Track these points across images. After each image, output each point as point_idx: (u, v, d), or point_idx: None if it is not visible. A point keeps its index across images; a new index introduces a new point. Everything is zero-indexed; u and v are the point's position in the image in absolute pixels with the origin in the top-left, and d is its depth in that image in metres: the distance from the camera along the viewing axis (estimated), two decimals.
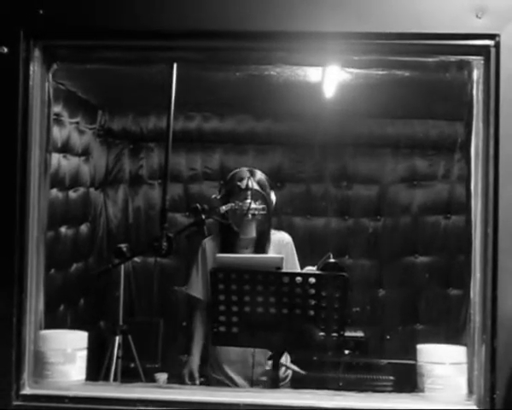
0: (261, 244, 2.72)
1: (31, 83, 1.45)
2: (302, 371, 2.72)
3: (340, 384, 3.19)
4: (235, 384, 2.69)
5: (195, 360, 2.79)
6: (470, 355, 1.44)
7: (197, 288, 2.77)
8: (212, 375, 2.76)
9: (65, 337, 1.52)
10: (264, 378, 2.64)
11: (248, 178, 2.65)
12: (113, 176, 4.43)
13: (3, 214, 1.43)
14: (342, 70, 2.36)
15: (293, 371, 2.73)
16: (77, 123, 3.98)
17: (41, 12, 1.43)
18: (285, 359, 2.75)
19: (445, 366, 1.47)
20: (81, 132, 4.08)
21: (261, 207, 2.61)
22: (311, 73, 2.76)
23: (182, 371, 2.81)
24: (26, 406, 1.42)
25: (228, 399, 1.46)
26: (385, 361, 3.81)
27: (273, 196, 2.76)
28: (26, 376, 1.45)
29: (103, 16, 1.47)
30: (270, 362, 2.24)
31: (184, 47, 1.54)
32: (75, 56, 1.60)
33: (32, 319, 1.46)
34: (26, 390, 1.44)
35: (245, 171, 2.72)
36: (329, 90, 3.10)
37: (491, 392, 1.36)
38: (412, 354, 1.57)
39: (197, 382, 2.77)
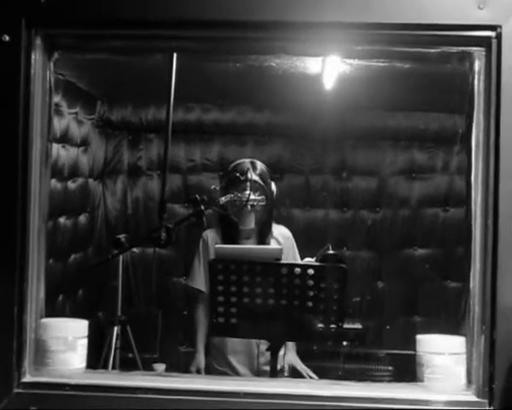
0: (263, 235, 2.73)
1: (32, 71, 1.45)
2: (315, 377, 2.75)
3: (340, 374, 3.22)
4: (240, 375, 2.69)
5: (202, 357, 2.77)
6: (469, 346, 1.45)
7: (199, 280, 2.77)
8: (214, 366, 2.76)
9: (66, 325, 1.52)
10: (267, 369, 2.65)
11: (248, 169, 2.65)
12: (111, 167, 4.43)
13: (5, 203, 1.43)
14: (342, 62, 2.36)
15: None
16: (76, 113, 3.97)
17: (43, 0, 1.43)
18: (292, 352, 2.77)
19: (445, 356, 1.47)
20: (80, 123, 4.07)
21: (260, 198, 2.61)
22: (311, 65, 2.75)
23: (189, 368, 2.79)
24: (27, 393, 1.42)
25: (228, 387, 1.47)
26: (384, 352, 3.82)
27: (274, 188, 2.77)
28: (27, 364, 1.45)
29: (104, 5, 1.47)
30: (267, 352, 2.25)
31: (184, 37, 1.54)
32: (76, 45, 1.60)
33: (33, 307, 1.47)
34: (27, 378, 1.45)
35: (246, 162, 2.72)
36: (329, 82, 3.09)
37: (490, 382, 1.37)
38: (410, 345, 1.58)
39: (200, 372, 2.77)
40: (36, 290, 1.48)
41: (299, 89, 3.18)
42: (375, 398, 1.41)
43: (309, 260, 2.34)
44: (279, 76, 2.39)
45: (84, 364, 1.52)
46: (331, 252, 2.16)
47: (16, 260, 1.43)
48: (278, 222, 2.89)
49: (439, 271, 4.19)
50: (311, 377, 2.76)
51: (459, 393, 1.44)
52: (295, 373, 2.80)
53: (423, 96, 3.58)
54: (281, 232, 2.80)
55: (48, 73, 1.51)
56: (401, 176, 4.29)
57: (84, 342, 1.52)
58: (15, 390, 1.42)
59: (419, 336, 1.54)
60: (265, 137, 4.29)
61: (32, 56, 1.45)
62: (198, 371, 2.75)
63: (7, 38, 1.42)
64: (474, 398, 1.41)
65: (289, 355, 2.80)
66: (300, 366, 2.79)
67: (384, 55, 1.64)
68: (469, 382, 1.45)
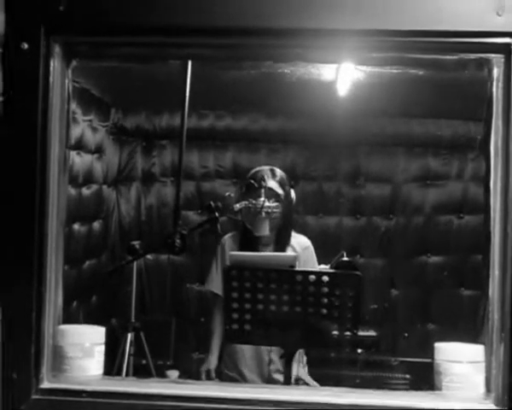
0: (280, 243, 2.72)
1: (51, 79, 1.46)
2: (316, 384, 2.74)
3: (357, 382, 3.21)
4: (249, 382, 2.69)
5: (214, 360, 2.77)
6: (488, 354, 1.43)
7: (217, 284, 2.78)
8: (225, 372, 2.77)
9: (83, 332, 1.52)
10: (277, 376, 2.65)
11: (263, 176, 2.65)
12: (125, 173, 4.45)
13: (23, 209, 1.44)
14: (356, 69, 2.35)
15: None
16: (90, 120, 4.00)
17: (61, 8, 1.44)
18: (298, 363, 2.76)
19: (463, 364, 1.46)
20: (94, 130, 4.10)
21: (275, 205, 2.61)
22: (325, 72, 2.75)
23: (199, 368, 2.80)
24: (44, 399, 1.42)
25: (243, 395, 1.46)
26: (399, 359, 3.81)
27: (293, 195, 2.76)
28: (44, 370, 1.45)
29: (122, 13, 1.48)
30: (281, 360, 2.24)
31: (199, 44, 1.54)
32: (94, 53, 1.60)
33: (51, 313, 1.47)
34: (45, 384, 1.45)
35: (264, 170, 2.72)
36: (343, 89, 3.10)
37: (510, 391, 1.36)
38: (424, 353, 1.57)
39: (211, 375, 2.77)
40: (54, 296, 1.48)
41: (312, 96, 3.18)
42: (393, 407, 1.39)
43: (323, 268, 2.34)
44: (293, 83, 2.40)
45: (101, 370, 1.52)
46: (346, 259, 2.14)
47: (34, 266, 1.43)
48: (295, 230, 2.87)
49: (453, 278, 4.16)
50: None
51: (478, 402, 1.42)
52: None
53: (437, 103, 3.58)
54: (299, 241, 2.79)
55: (66, 80, 1.52)
56: (415, 183, 4.28)
57: (102, 348, 1.52)
58: (33, 397, 1.42)
59: (437, 344, 1.53)
60: (279, 144, 4.29)
61: (51, 64, 1.46)
62: (208, 372, 2.75)
63: (26, 46, 1.43)
64: (493, 407, 1.39)
65: (296, 368, 2.79)
66: (308, 379, 2.78)
67: (401, 62, 1.63)
68: (488, 390, 1.44)
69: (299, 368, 2.77)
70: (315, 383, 2.77)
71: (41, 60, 1.44)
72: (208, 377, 2.75)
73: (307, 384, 2.75)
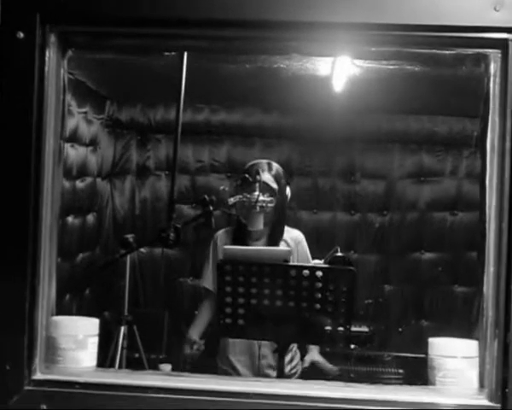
0: (273, 238, 2.72)
1: (46, 69, 1.44)
2: (334, 368, 2.77)
3: (351, 376, 3.22)
4: (240, 375, 2.70)
5: (194, 333, 2.81)
6: (482, 349, 1.44)
7: (208, 280, 2.79)
8: (218, 364, 2.78)
9: (77, 324, 1.52)
10: (269, 372, 2.65)
11: (258, 171, 2.64)
12: (120, 167, 4.44)
13: (18, 201, 1.43)
14: (352, 64, 2.35)
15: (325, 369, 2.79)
16: (85, 113, 3.99)
17: None
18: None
19: (457, 359, 1.46)
20: (89, 122, 4.09)
21: (269, 199, 2.61)
22: (321, 67, 2.75)
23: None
24: (37, 391, 1.42)
25: (238, 388, 1.46)
26: (392, 354, 3.83)
27: (288, 191, 2.76)
28: (37, 361, 1.44)
29: (119, 3, 1.47)
30: (274, 354, 2.25)
31: (197, 36, 1.53)
32: (90, 43, 1.59)
33: (45, 304, 1.46)
34: (38, 375, 1.44)
35: (261, 163, 2.72)
36: (339, 85, 3.09)
37: (503, 386, 1.36)
38: (418, 348, 1.57)
39: (195, 346, 2.79)
40: (47, 288, 1.47)
41: (308, 91, 3.18)
42: (387, 400, 1.40)
43: (317, 263, 2.34)
44: (288, 78, 2.39)
45: (94, 362, 1.51)
46: (339, 254, 2.15)
47: (28, 258, 1.43)
48: (289, 225, 2.88)
49: (447, 275, 4.18)
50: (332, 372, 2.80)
51: (471, 397, 1.42)
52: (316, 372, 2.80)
53: (434, 99, 3.58)
54: (292, 236, 2.79)
55: (61, 70, 1.50)
56: (409, 179, 4.29)
57: (95, 340, 1.51)
58: (26, 388, 1.41)
59: (431, 339, 1.53)
60: (274, 139, 4.29)
61: (47, 54, 1.44)
62: (189, 341, 2.77)
63: (21, 34, 1.42)
64: (486, 402, 1.40)
65: (312, 354, 2.82)
66: (324, 363, 2.81)
67: (397, 57, 1.63)
68: (482, 386, 1.44)
69: (315, 352, 2.80)
70: (330, 366, 2.82)
71: (36, 49, 1.42)
72: (191, 347, 2.76)
73: (322, 369, 2.79)
